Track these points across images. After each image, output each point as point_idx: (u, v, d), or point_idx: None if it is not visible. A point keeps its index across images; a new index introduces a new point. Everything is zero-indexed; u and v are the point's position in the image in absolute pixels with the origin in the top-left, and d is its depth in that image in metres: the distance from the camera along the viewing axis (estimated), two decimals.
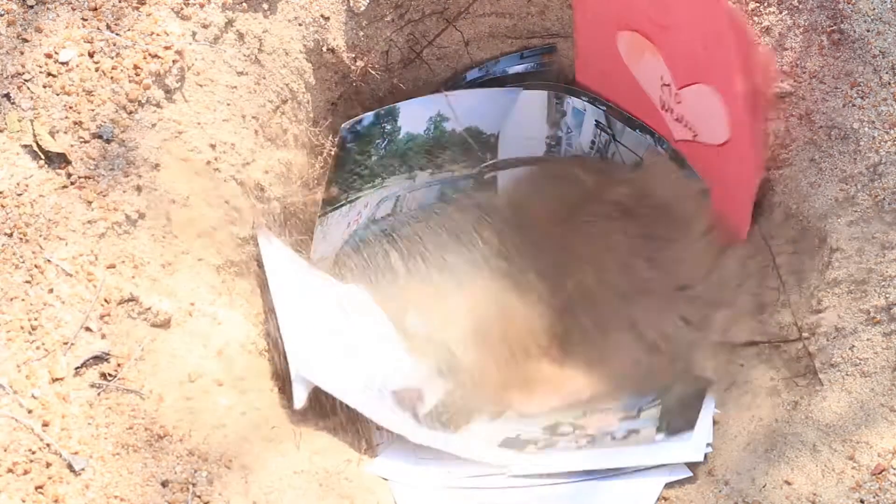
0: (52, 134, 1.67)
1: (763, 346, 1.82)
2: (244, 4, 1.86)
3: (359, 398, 1.78)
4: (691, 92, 1.92)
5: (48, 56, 1.71)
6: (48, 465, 1.50)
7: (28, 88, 1.69)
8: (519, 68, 2.19)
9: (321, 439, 1.77)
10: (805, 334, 1.74)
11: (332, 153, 1.99)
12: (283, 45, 1.91)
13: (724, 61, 1.80)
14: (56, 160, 1.66)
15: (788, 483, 1.59)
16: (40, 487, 1.48)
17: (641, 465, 1.73)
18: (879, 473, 1.53)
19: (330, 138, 2.05)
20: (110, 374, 1.57)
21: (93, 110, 1.69)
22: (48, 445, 1.50)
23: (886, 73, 1.75)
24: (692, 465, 1.72)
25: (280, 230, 1.92)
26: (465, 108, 2.11)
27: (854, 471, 1.56)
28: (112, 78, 1.72)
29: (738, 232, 2.01)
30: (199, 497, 1.55)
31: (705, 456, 1.73)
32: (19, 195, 1.63)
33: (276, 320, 1.79)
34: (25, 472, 1.48)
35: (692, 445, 1.74)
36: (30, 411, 1.52)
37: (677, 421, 1.79)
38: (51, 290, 1.60)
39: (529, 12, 2.13)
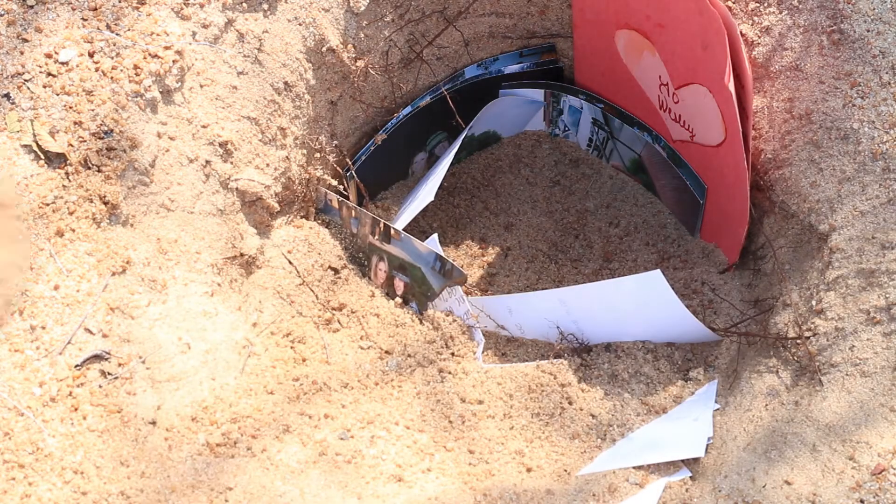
0: (51, 134, 1.67)
1: (763, 347, 1.82)
2: (244, 4, 1.86)
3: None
4: (688, 92, 1.92)
5: (48, 56, 1.71)
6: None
7: (28, 88, 1.69)
8: (516, 67, 2.19)
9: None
10: (805, 334, 1.74)
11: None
12: (283, 45, 1.91)
13: (717, 61, 1.80)
14: (56, 160, 1.66)
15: (788, 483, 1.59)
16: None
17: (644, 462, 1.74)
18: (879, 473, 1.54)
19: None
20: (109, 373, 1.57)
21: (93, 110, 1.69)
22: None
23: (886, 73, 1.75)
24: (692, 465, 1.72)
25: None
26: (490, 115, 2.17)
27: (854, 471, 1.56)
28: (112, 78, 1.71)
29: (730, 254, 2.01)
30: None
31: (705, 455, 1.73)
32: (19, 194, 1.63)
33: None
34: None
35: (694, 441, 1.74)
36: (28, 408, 1.52)
37: None
38: (53, 288, 1.60)
39: (529, 12, 2.13)
